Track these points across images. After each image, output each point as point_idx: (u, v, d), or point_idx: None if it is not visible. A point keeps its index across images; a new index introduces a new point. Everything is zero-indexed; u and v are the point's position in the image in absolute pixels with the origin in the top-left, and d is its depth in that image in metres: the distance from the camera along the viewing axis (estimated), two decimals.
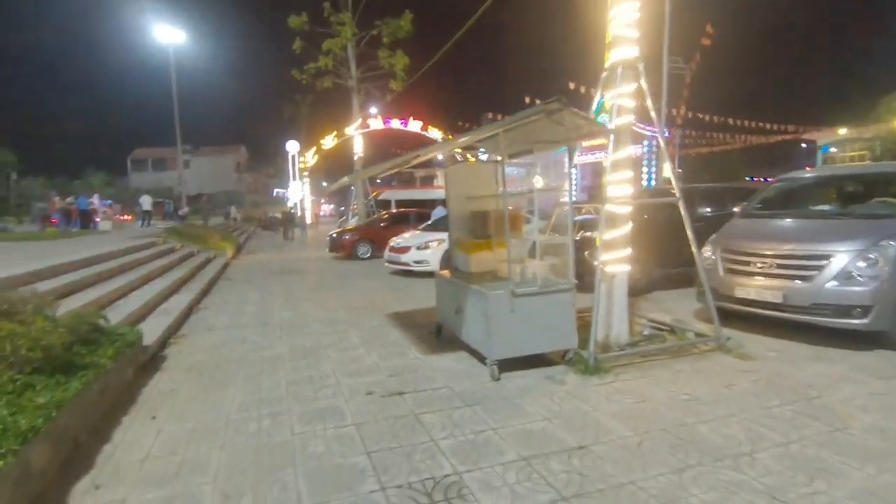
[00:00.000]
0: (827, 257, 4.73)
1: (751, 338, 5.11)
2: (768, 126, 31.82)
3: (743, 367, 4.26)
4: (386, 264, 11.43)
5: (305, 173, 34.23)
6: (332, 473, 2.68)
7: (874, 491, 2.37)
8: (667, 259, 7.58)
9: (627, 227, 4.75)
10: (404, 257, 10.67)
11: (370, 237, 14.75)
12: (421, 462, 2.77)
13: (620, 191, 4.70)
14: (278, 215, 31.58)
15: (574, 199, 5.78)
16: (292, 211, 30.55)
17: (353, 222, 21.70)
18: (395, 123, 28.37)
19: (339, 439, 3.09)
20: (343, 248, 14.63)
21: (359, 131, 23.58)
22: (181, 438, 3.20)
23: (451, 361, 4.66)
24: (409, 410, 3.51)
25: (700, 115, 27.75)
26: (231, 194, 55.94)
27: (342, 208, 42.25)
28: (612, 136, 4.69)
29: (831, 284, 4.64)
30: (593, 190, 8.75)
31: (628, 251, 4.78)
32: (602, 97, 5.15)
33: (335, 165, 38.96)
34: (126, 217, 24.50)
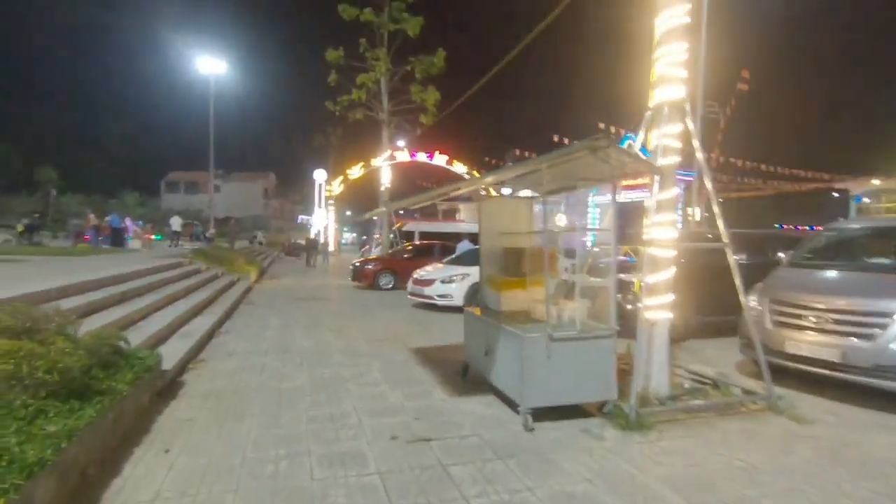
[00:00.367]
0: (891, 314, 4.37)
1: (802, 397, 4.71)
2: (801, 173, 31.21)
3: (800, 432, 3.88)
4: (408, 296, 11.25)
5: (331, 201, 34.78)
6: None
7: None
8: (706, 306, 7.22)
9: (671, 272, 4.50)
10: (428, 290, 10.49)
11: (393, 268, 14.64)
12: None
13: (664, 233, 4.48)
14: (302, 241, 31.92)
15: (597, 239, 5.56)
16: (316, 238, 30.85)
17: (375, 252, 21.72)
18: (422, 157, 28.72)
19: (362, 490, 2.84)
20: (365, 278, 14.54)
21: (386, 163, 23.90)
22: (194, 477, 2.99)
23: (479, 406, 4.38)
24: (436, 460, 3.24)
25: (732, 160, 27.40)
26: (258, 219, 57.12)
27: (364, 237, 42.63)
28: (656, 177, 4.50)
29: None
30: (626, 232, 8.48)
31: (671, 297, 4.51)
32: (633, 136, 5.00)
33: (360, 195, 39.57)
34: (149, 236, 25.01)
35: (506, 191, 6.56)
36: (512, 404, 4.14)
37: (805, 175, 31.55)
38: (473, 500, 2.74)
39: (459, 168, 29.58)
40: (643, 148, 5.03)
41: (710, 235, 8.66)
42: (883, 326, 4.37)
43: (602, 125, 26.11)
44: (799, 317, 4.96)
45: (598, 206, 11.80)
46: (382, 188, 24.04)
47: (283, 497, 2.76)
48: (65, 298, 5.73)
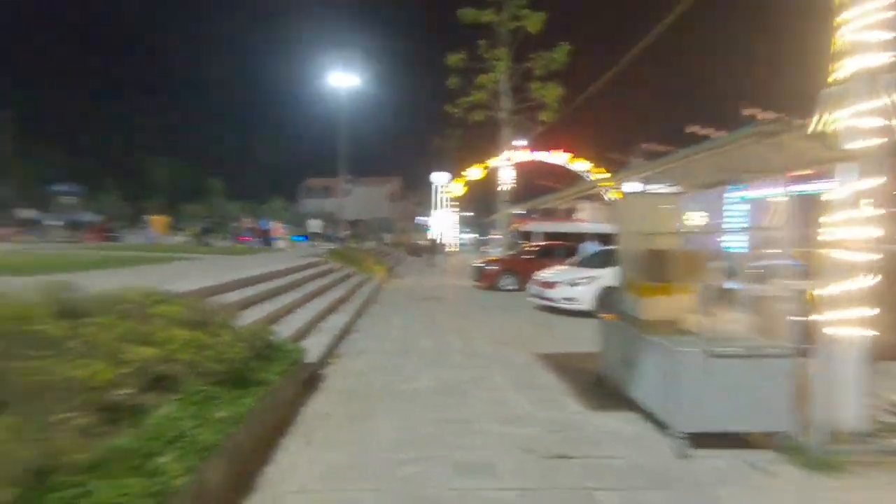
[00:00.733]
0: None
1: None
2: None
3: None
4: (529, 298, 10.97)
5: (451, 203, 35.62)
6: None
7: None
8: None
9: (868, 280, 3.68)
10: (551, 293, 10.10)
11: (514, 269, 14.43)
12: None
13: (858, 232, 3.68)
14: (423, 242, 33.14)
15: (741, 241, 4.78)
16: (436, 239, 31.82)
17: (494, 253, 21.69)
18: (542, 155, 28.06)
19: None
20: (486, 279, 14.53)
21: (506, 162, 23.76)
22: (334, 472, 3.10)
23: (618, 422, 4.00)
24: (578, 482, 2.98)
25: None
26: (384, 221, 60.63)
27: (482, 238, 42.99)
28: (842, 165, 3.72)
29: None
30: (793, 232, 7.27)
31: (867, 310, 3.69)
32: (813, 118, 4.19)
33: (480, 196, 40.01)
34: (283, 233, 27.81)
35: (632, 188, 6.04)
36: (657, 423, 3.71)
37: None
38: None
39: (580, 166, 28.41)
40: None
41: None
42: None
43: (747, 112, 23.23)
44: None
45: (742, 202, 10.43)
46: (502, 188, 23.96)
47: None
48: (227, 293, 6.46)
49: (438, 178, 41.28)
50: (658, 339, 3.70)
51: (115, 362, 2.75)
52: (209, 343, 3.41)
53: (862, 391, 3.70)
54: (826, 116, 4.11)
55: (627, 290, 4.83)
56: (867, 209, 3.66)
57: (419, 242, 36.76)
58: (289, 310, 7.18)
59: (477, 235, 53.64)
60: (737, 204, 10.94)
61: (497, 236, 24.71)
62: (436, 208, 41.56)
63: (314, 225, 26.62)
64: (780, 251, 3.67)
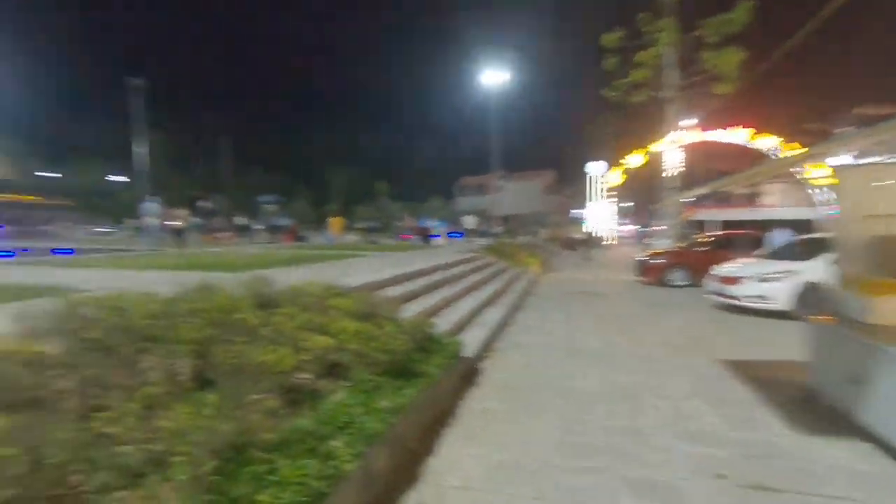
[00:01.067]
0: None
1: None
2: None
3: None
4: (706, 296, 9.65)
5: (608, 193, 33.54)
6: None
7: None
8: None
9: None
10: (734, 290, 8.72)
11: (685, 262, 12.90)
12: None
13: None
14: (578, 236, 31.83)
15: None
16: (592, 232, 30.30)
17: (659, 245, 19.75)
18: (716, 134, 24.78)
19: None
20: (652, 273, 13.26)
21: (673, 145, 21.47)
22: (498, 472, 2.99)
23: (843, 452, 3.18)
24: None
25: None
26: (537, 215, 60.01)
27: (644, 229, 39.65)
28: None
29: None
30: None
31: None
32: None
33: (641, 184, 36.99)
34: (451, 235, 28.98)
35: (841, 162, 4.77)
36: None
37: None
38: None
39: (765, 142, 24.35)
40: None
41: None
42: None
43: None
44: None
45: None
46: (668, 174, 21.72)
47: None
48: (391, 287, 6.88)
49: (594, 168, 39.22)
50: None
51: (296, 349, 3.02)
52: (375, 334, 3.58)
53: None
54: None
55: (850, 288, 3.84)
56: None
57: (574, 236, 35.43)
58: (447, 303, 7.37)
59: (638, 227, 49.73)
60: None
61: (661, 227, 22.48)
62: (591, 200, 39.58)
63: (469, 221, 27.42)
64: None
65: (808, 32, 12.64)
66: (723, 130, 25.44)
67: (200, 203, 15.18)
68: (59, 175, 57.41)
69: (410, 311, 5.77)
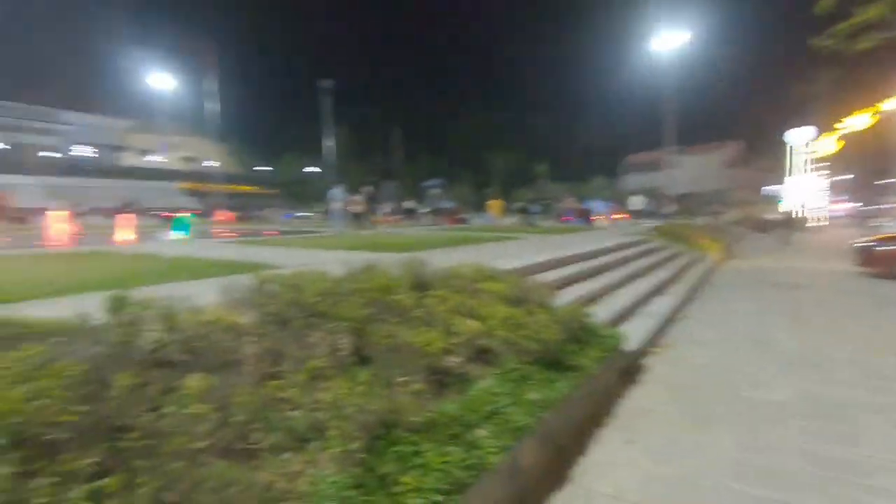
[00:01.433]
0: None
1: None
2: None
3: None
4: None
5: (816, 165, 27.82)
6: None
7: None
8: None
9: None
10: None
11: None
12: None
13: None
14: (775, 216, 27.11)
15: None
16: (793, 211, 25.51)
17: (892, 228, 15.69)
18: None
19: None
20: (879, 262, 10.61)
21: None
22: (659, 485, 2.64)
23: None
24: None
25: None
26: (718, 193, 52.96)
27: (867, 208, 31.98)
28: None
29: None
30: None
31: None
32: None
33: (864, 152, 29.91)
34: (618, 216, 27.01)
35: None
36: None
37: None
38: None
39: None
40: None
41: None
42: None
43: None
44: None
45: None
46: None
47: None
48: (546, 271, 6.63)
49: (797, 135, 32.76)
50: None
51: (446, 332, 3.04)
52: (525, 321, 3.44)
53: None
54: None
55: None
56: None
57: (768, 216, 30.28)
58: (607, 291, 6.86)
59: (858, 205, 40.37)
60: None
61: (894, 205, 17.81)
62: (792, 174, 33.22)
63: (636, 202, 25.35)
64: None
65: None
66: None
67: (365, 189, 16.61)
68: (270, 168, 68.93)
69: (566, 297, 5.48)
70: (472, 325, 3.20)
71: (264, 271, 3.94)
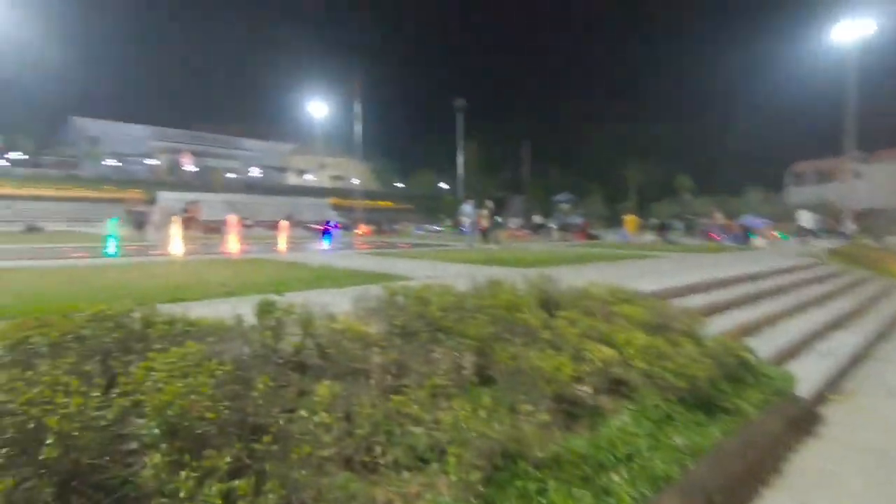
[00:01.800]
0: None
1: None
2: None
3: None
4: None
5: None
6: None
7: None
8: None
9: None
10: None
11: None
12: None
13: None
14: None
15: None
16: None
17: None
18: None
19: None
20: None
21: None
22: None
23: None
24: None
25: None
26: None
27: None
28: None
29: None
30: None
31: None
32: None
33: None
34: (773, 234, 23.43)
35: None
36: None
37: None
38: None
39: None
40: None
41: None
42: None
43: None
44: None
45: None
46: None
47: None
48: (691, 295, 5.91)
49: None
50: None
51: (576, 358, 2.80)
52: (668, 352, 3.04)
53: None
54: None
55: None
56: None
57: None
58: (768, 321, 5.89)
59: None
60: None
61: None
62: None
63: (805, 218, 21.85)
64: None
65: None
66: None
67: (487, 203, 16.67)
68: (404, 185, 73.44)
69: (717, 326, 4.81)
70: (606, 352, 2.91)
71: (395, 283, 4.06)
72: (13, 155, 60.20)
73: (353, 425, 2.03)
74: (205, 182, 64.70)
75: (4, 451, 1.33)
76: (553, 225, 28.32)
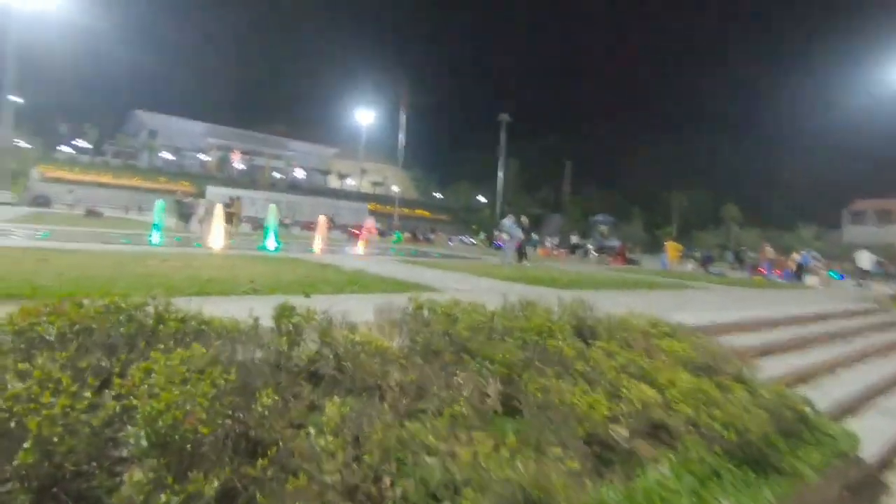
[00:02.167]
0: None
1: None
2: None
3: None
4: None
5: None
6: None
7: None
8: None
9: None
10: None
11: None
12: None
13: None
14: None
15: None
16: None
17: None
18: None
19: None
20: None
21: None
22: None
23: None
24: None
25: None
26: None
27: None
28: None
29: None
30: None
31: None
32: None
33: None
34: (829, 273, 21.99)
35: None
36: None
37: None
38: None
39: None
40: None
41: None
42: None
43: None
44: None
45: None
46: None
47: None
48: (737, 333, 5.49)
49: None
50: None
51: (611, 395, 2.55)
52: (716, 398, 2.73)
53: None
54: None
55: None
56: None
57: None
58: (825, 369, 5.40)
59: None
60: None
61: None
62: None
63: (864, 259, 20.49)
64: None
65: None
66: None
67: (523, 219, 16.30)
68: (441, 195, 73.77)
69: (767, 371, 4.41)
70: (647, 391, 2.64)
71: (423, 294, 3.90)
72: (79, 143, 64.02)
73: (361, 450, 1.86)
74: (252, 179, 66.84)
75: None
76: (590, 246, 27.65)
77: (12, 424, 1.27)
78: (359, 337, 2.52)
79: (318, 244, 13.13)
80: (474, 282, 7.69)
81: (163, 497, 1.21)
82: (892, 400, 5.15)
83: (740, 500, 2.24)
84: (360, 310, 3.09)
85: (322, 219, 14.05)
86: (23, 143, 46.72)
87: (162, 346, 1.76)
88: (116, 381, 1.48)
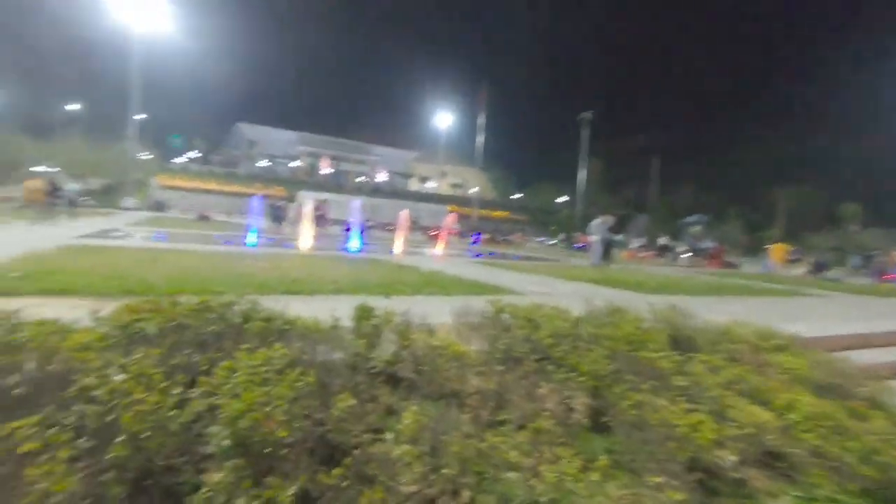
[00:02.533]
0: None
1: None
2: None
3: None
4: None
5: None
6: None
7: None
8: None
9: None
10: None
11: None
12: None
13: None
14: None
15: None
16: None
17: None
18: None
19: None
20: None
21: None
22: None
23: None
24: None
25: None
26: None
27: None
28: None
29: None
30: None
31: None
32: None
33: None
34: None
35: None
36: None
37: None
38: None
39: None
40: None
41: None
42: None
43: None
44: None
45: None
46: None
47: None
48: (863, 349, 4.76)
49: None
50: None
51: (718, 416, 2.26)
52: (850, 427, 2.33)
53: None
54: None
55: None
56: None
57: None
58: None
59: None
60: None
61: None
62: None
63: None
64: None
65: None
66: None
67: (608, 219, 15.40)
68: (521, 196, 72.88)
69: None
70: (760, 414, 2.31)
71: (503, 297, 3.77)
72: (191, 154, 71.32)
73: (439, 460, 1.78)
74: (338, 184, 70.37)
75: (81, 440, 1.29)
76: (681, 248, 25.84)
77: (110, 417, 1.33)
78: (436, 340, 2.45)
79: (398, 245, 13.41)
80: (556, 285, 7.41)
81: (240, 502, 1.20)
82: None
83: None
84: (437, 312, 3.03)
85: (404, 213, 14.25)
86: (145, 155, 52.82)
87: (247, 346, 1.79)
88: (202, 379, 1.52)
